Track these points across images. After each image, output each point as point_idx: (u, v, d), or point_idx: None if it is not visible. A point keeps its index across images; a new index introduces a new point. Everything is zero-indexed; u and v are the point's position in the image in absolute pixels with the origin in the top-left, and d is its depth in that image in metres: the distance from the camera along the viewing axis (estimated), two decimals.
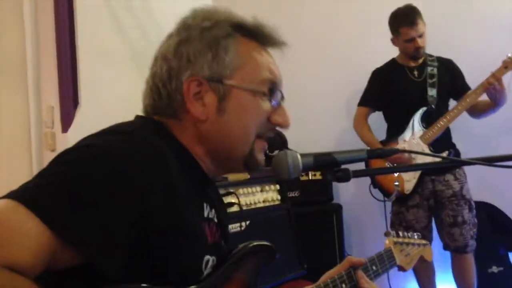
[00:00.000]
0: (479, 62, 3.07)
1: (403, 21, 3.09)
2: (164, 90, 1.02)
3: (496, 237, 3.41)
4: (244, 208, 2.42)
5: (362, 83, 3.38)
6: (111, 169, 0.85)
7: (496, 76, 2.91)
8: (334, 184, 3.45)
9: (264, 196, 2.57)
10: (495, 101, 3.01)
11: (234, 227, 2.29)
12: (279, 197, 2.67)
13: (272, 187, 2.64)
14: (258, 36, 1.06)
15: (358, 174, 1.18)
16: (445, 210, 3.09)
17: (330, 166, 1.12)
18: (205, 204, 1.06)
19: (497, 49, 2.88)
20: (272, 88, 1.05)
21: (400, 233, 1.62)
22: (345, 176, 1.13)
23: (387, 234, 1.59)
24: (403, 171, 3.06)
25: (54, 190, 0.81)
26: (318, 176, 3.36)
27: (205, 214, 1.05)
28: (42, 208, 0.78)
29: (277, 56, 1.10)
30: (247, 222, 2.35)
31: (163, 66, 1.03)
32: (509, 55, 2.92)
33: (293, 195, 3.22)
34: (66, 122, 2.76)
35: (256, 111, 1.03)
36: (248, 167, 1.07)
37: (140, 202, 0.85)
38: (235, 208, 2.36)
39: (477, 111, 3.15)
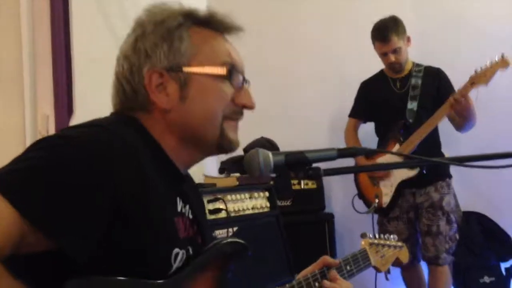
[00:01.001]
0: (470, 71, 3.08)
1: (376, 35, 3.12)
2: (128, 86, 1.06)
3: (487, 246, 3.41)
4: (232, 214, 2.43)
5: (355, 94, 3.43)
6: (80, 157, 0.89)
7: (461, 93, 2.90)
8: (326, 193, 3.48)
9: (253, 203, 2.58)
10: (463, 118, 3.01)
11: (221, 233, 2.30)
12: (268, 204, 2.68)
13: (261, 194, 2.66)
14: (211, 23, 1.11)
15: (329, 172, 1.21)
16: (422, 220, 3.11)
17: (301, 164, 1.14)
18: (178, 199, 1.09)
19: (489, 59, 2.90)
20: (231, 71, 1.09)
21: (377, 235, 1.65)
22: (316, 174, 1.15)
23: (363, 236, 1.62)
24: (375, 170, 3.07)
25: (24, 175, 0.85)
26: (310, 185, 3.39)
27: (178, 209, 1.08)
28: (11, 191, 0.82)
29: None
30: (234, 229, 2.37)
31: (125, 64, 1.07)
32: (477, 69, 2.89)
33: (285, 203, 3.24)
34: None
35: (218, 94, 1.07)
36: (223, 148, 1.10)
37: (107, 189, 0.89)
38: (222, 214, 2.37)
39: (454, 125, 3.15)
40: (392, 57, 3.09)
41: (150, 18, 1.08)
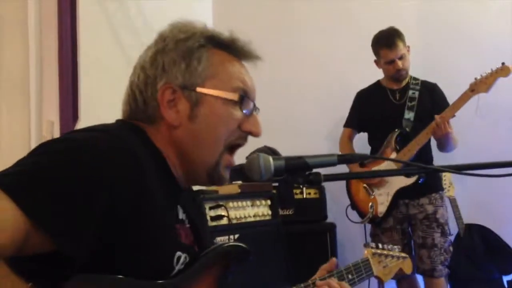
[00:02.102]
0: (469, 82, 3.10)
1: (382, 43, 3.14)
2: (141, 96, 1.08)
3: (489, 259, 3.40)
4: (234, 221, 2.44)
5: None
6: (83, 161, 0.90)
7: (443, 117, 2.92)
8: (328, 203, 3.48)
9: (254, 210, 2.59)
10: (441, 144, 3.06)
11: (222, 240, 2.31)
12: (270, 212, 2.69)
13: (263, 202, 2.67)
14: (232, 48, 1.13)
15: (329, 178, 1.21)
16: (417, 232, 3.10)
17: (301, 169, 1.15)
18: (178, 207, 1.11)
19: (488, 70, 2.92)
20: (243, 97, 1.11)
21: (380, 245, 1.65)
22: (316, 180, 1.15)
23: (366, 245, 1.62)
24: (371, 177, 3.07)
25: (28, 176, 0.86)
26: (312, 194, 3.39)
27: (180, 216, 1.11)
28: (16, 192, 0.83)
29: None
30: (236, 236, 2.38)
31: (141, 75, 1.09)
32: (477, 77, 2.90)
33: (286, 213, 3.24)
34: None
35: (227, 119, 1.09)
36: (211, 180, 1.12)
37: (109, 193, 0.90)
38: (224, 221, 2.38)
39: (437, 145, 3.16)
40: (400, 63, 3.12)
41: (174, 34, 1.10)
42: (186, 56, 1.08)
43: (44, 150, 0.93)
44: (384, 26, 3.23)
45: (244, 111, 1.10)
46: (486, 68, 2.90)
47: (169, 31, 1.11)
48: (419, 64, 3.30)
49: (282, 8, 3.95)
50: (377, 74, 3.32)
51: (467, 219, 3.39)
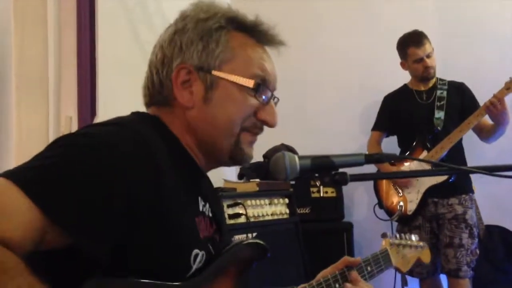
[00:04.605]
0: (491, 83, 3.06)
1: (410, 42, 3.18)
2: (157, 77, 1.07)
3: (510, 261, 3.34)
4: (252, 219, 2.43)
5: (379, 104, 3.43)
6: (101, 157, 0.88)
7: (497, 97, 2.94)
8: (346, 202, 3.45)
9: (272, 209, 2.57)
10: (498, 122, 3.04)
11: (240, 238, 2.29)
12: (287, 211, 2.67)
13: (281, 200, 2.65)
14: (254, 32, 1.09)
15: (355, 178, 1.18)
16: (444, 231, 3.07)
17: (327, 169, 1.12)
18: (199, 198, 1.08)
19: (510, 70, 2.88)
20: (260, 85, 1.07)
21: (397, 235, 1.62)
22: (343, 180, 1.12)
23: (383, 236, 1.59)
24: (401, 177, 3.07)
25: (44, 172, 0.85)
26: (330, 193, 3.36)
27: (200, 208, 1.07)
28: (32, 188, 0.82)
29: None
30: (254, 234, 2.36)
31: (158, 54, 1.07)
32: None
33: (303, 211, 3.22)
34: None
35: (241, 105, 1.06)
36: (234, 159, 1.09)
37: (127, 192, 0.88)
38: (242, 219, 2.37)
39: (484, 134, 3.17)
40: (428, 61, 3.14)
41: (195, 13, 1.07)
42: (204, 37, 1.04)
43: (60, 145, 0.91)
44: (406, 24, 3.23)
45: (260, 99, 1.07)
46: (510, 67, 2.86)
47: (190, 10, 1.08)
48: (440, 63, 3.27)
49: (302, 4, 3.91)
50: (398, 75, 3.31)
51: (487, 220, 3.33)
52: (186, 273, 0.99)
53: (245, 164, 1.10)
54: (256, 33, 1.09)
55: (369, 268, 1.44)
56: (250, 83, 1.05)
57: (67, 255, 0.86)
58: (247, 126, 1.08)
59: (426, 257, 1.70)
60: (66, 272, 0.87)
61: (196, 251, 1.00)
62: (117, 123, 0.98)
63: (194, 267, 1.00)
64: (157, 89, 1.07)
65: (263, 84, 1.08)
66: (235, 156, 1.08)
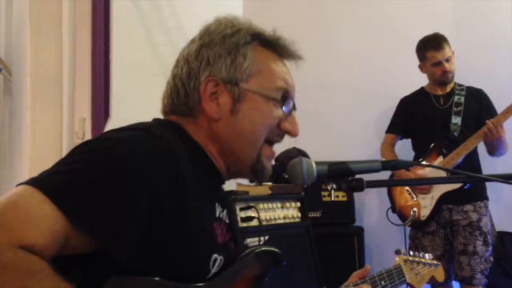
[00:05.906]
0: (508, 89, 3.04)
1: (429, 45, 3.14)
2: (183, 89, 1.09)
3: None
4: (264, 223, 2.43)
5: (393, 109, 3.42)
6: (124, 162, 0.90)
7: (494, 123, 2.90)
8: (357, 206, 3.44)
9: (284, 212, 2.58)
10: (491, 148, 3.02)
11: (252, 241, 2.30)
12: (299, 215, 2.67)
13: (293, 204, 2.66)
14: (276, 47, 1.13)
15: (372, 184, 1.19)
16: (458, 238, 3.05)
17: (344, 175, 1.14)
18: (217, 204, 1.10)
19: None
20: (285, 96, 1.11)
21: (411, 252, 1.62)
22: (359, 186, 1.14)
23: (397, 252, 1.60)
24: (417, 184, 3.05)
25: (69, 178, 0.86)
26: (341, 197, 3.35)
27: (217, 214, 1.09)
28: (57, 194, 0.83)
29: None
30: (266, 237, 2.37)
31: (184, 67, 1.10)
32: None
33: (315, 215, 3.22)
34: (96, 133, 2.85)
35: (268, 116, 1.09)
36: (255, 173, 1.12)
37: (150, 195, 0.89)
38: (254, 223, 2.38)
39: (487, 150, 3.13)
40: (447, 65, 3.11)
41: (220, 29, 1.10)
42: (232, 52, 1.08)
43: (84, 150, 0.93)
44: (422, 29, 3.20)
45: (284, 110, 1.11)
46: None
47: (215, 26, 1.11)
48: (457, 68, 3.24)
49: (316, 8, 3.91)
50: (413, 80, 3.29)
51: (500, 227, 3.31)
52: (205, 277, 1.00)
53: (263, 179, 1.13)
54: (278, 48, 1.14)
55: (383, 283, 1.45)
56: (277, 95, 1.10)
57: (88, 257, 0.88)
58: (270, 136, 1.11)
59: (440, 275, 1.71)
60: (88, 275, 0.89)
61: (215, 255, 1.03)
62: (140, 128, 1.00)
63: (213, 271, 1.02)
64: (182, 100, 1.09)
65: (288, 95, 1.12)
66: (256, 170, 1.11)
